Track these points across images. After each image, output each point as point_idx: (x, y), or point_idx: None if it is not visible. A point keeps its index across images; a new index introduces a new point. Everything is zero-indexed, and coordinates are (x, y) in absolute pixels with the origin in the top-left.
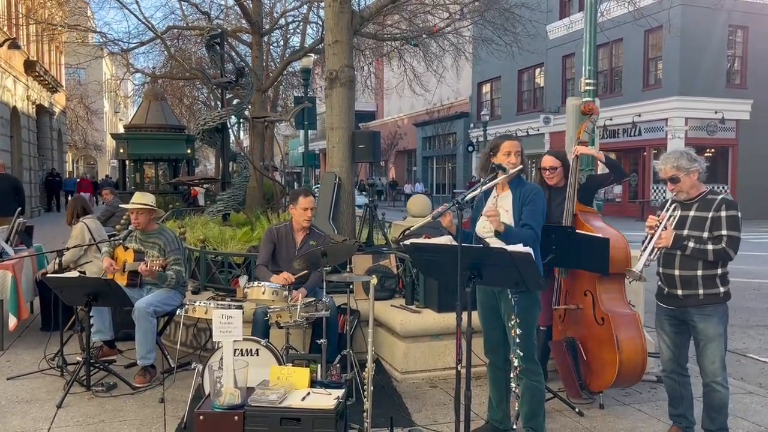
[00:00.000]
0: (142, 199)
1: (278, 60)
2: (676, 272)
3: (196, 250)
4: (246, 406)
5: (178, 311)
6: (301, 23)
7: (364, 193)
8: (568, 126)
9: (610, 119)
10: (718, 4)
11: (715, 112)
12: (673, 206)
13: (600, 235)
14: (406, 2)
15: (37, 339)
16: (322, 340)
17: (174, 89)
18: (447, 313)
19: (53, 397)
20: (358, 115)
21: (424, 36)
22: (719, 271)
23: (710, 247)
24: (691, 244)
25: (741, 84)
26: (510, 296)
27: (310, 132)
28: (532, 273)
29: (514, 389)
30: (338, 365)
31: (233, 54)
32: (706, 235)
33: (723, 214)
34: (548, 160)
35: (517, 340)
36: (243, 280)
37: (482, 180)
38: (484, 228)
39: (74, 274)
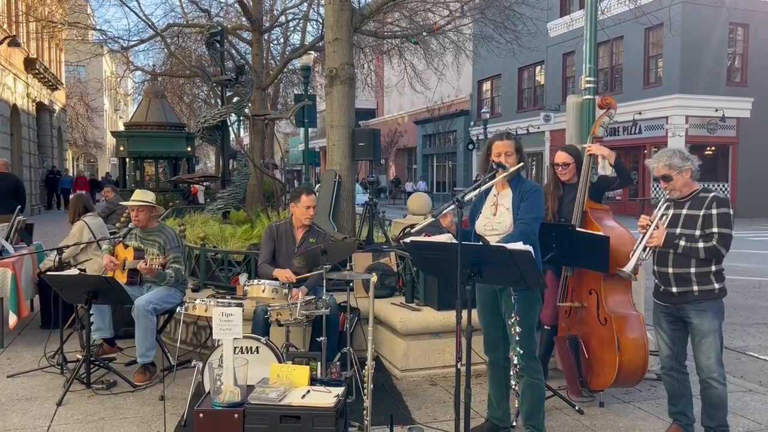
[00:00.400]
0: (142, 196)
1: (278, 58)
2: (670, 270)
3: (196, 247)
4: (246, 404)
5: (178, 309)
6: (302, 21)
7: (368, 191)
8: (568, 124)
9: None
10: (719, 1)
11: (716, 110)
12: (665, 205)
13: (605, 233)
14: (406, 0)
15: (37, 337)
16: (322, 338)
17: (174, 87)
18: (447, 311)
19: (53, 394)
20: (359, 113)
21: (424, 34)
22: (713, 268)
23: (701, 245)
24: (682, 243)
25: (741, 82)
26: (511, 294)
27: (310, 130)
28: (532, 271)
29: (514, 387)
30: (338, 363)
31: (233, 52)
32: (698, 233)
33: (714, 211)
34: (561, 156)
35: (518, 338)
36: (243, 278)
37: (482, 178)
38: (484, 226)
39: (74, 271)
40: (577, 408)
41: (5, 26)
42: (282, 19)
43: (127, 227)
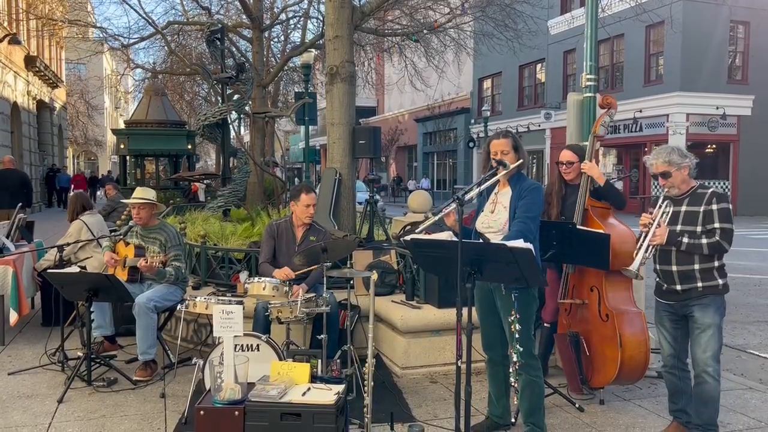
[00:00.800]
0: (143, 194)
1: (279, 55)
2: (674, 268)
3: (196, 245)
4: (246, 401)
5: (178, 307)
6: (302, 18)
7: (375, 189)
8: (569, 122)
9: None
10: None
11: (717, 108)
12: (665, 203)
13: (605, 231)
14: None
15: (38, 334)
16: (322, 336)
17: (174, 85)
18: (447, 308)
19: (54, 392)
20: (359, 111)
21: (424, 31)
22: (716, 263)
23: (704, 241)
24: (685, 240)
25: (742, 80)
26: (507, 292)
27: (310, 128)
28: (533, 269)
29: (513, 384)
30: (338, 361)
31: (234, 49)
32: (699, 229)
33: (714, 207)
34: (567, 155)
35: (517, 336)
36: (243, 275)
37: (482, 176)
38: (482, 224)
39: (75, 269)
40: (577, 405)
41: (6, 24)
42: (282, 16)
43: (127, 225)
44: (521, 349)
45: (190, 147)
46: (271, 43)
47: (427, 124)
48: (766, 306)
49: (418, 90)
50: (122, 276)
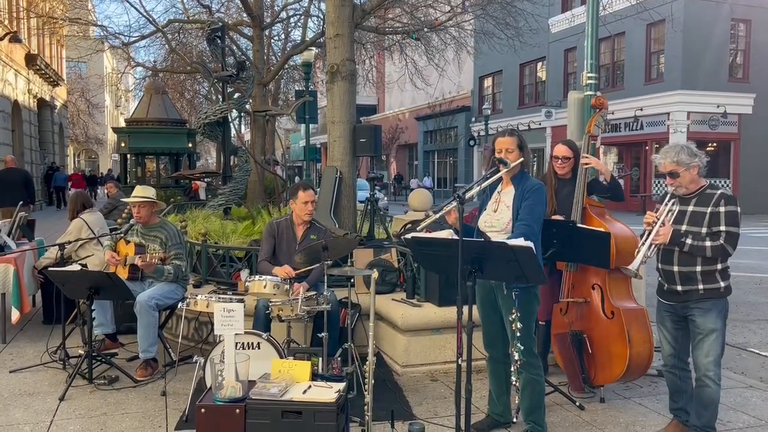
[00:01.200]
0: (143, 192)
1: (279, 54)
2: (675, 268)
3: (197, 243)
4: (247, 399)
5: (179, 305)
6: (302, 17)
7: (377, 187)
8: (569, 120)
9: (612, 113)
10: None
11: (718, 106)
12: (671, 201)
13: (604, 229)
14: None
15: (40, 332)
16: (323, 334)
17: (175, 83)
18: (448, 307)
19: (56, 389)
20: (360, 109)
21: (425, 29)
22: (719, 266)
23: (708, 243)
24: (688, 241)
25: (743, 78)
26: (508, 290)
27: (311, 126)
28: (533, 267)
29: (514, 383)
30: (339, 359)
31: (234, 48)
32: (704, 231)
33: (722, 209)
34: (562, 150)
35: (518, 334)
36: (244, 273)
37: (484, 174)
38: (485, 222)
39: (76, 267)
40: (577, 404)
41: (6, 22)
42: (283, 15)
43: (128, 223)
44: (522, 348)
45: (190, 145)
46: (272, 41)
47: (427, 123)
48: (767, 304)
49: (418, 88)
50: (123, 274)
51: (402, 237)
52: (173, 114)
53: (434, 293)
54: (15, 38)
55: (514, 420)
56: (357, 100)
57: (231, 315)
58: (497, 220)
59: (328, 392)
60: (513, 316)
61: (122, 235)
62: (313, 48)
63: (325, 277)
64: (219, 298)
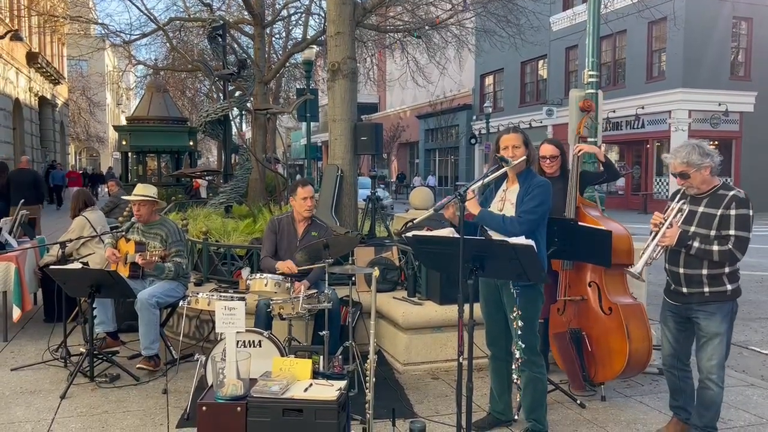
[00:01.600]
0: (144, 190)
1: (280, 52)
2: (681, 270)
3: (198, 242)
4: (248, 397)
5: (180, 303)
6: (304, 15)
7: (381, 186)
8: (570, 118)
9: (614, 111)
10: None
11: (719, 105)
12: (681, 201)
13: (602, 226)
14: None
15: (41, 330)
16: (324, 332)
17: (176, 81)
18: (449, 305)
19: (57, 387)
20: (361, 107)
21: (426, 28)
22: (726, 269)
23: (715, 248)
24: (695, 245)
25: (745, 76)
26: (514, 289)
27: (312, 124)
28: (535, 265)
29: (516, 381)
30: (340, 357)
31: (235, 46)
32: (713, 233)
33: (732, 212)
34: (548, 149)
35: (519, 332)
36: (245, 271)
37: (485, 171)
38: None
39: (77, 265)
40: (579, 402)
41: (7, 20)
42: (284, 13)
43: (129, 221)
44: (524, 346)
45: (191, 144)
46: (273, 39)
47: (428, 121)
48: None
49: (419, 86)
50: (124, 272)
51: (403, 235)
52: (174, 112)
53: (435, 291)
54: (16, 36)
55: (516, 418)
56: (358, 98)
57: (232, 313)
58: None
59: (329, 390)
60: (515, 314)
61: (123, 233)
62: (314, 46)
63: (326, 275)
64: (220, 296)
